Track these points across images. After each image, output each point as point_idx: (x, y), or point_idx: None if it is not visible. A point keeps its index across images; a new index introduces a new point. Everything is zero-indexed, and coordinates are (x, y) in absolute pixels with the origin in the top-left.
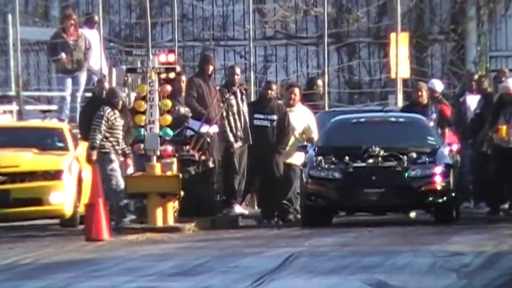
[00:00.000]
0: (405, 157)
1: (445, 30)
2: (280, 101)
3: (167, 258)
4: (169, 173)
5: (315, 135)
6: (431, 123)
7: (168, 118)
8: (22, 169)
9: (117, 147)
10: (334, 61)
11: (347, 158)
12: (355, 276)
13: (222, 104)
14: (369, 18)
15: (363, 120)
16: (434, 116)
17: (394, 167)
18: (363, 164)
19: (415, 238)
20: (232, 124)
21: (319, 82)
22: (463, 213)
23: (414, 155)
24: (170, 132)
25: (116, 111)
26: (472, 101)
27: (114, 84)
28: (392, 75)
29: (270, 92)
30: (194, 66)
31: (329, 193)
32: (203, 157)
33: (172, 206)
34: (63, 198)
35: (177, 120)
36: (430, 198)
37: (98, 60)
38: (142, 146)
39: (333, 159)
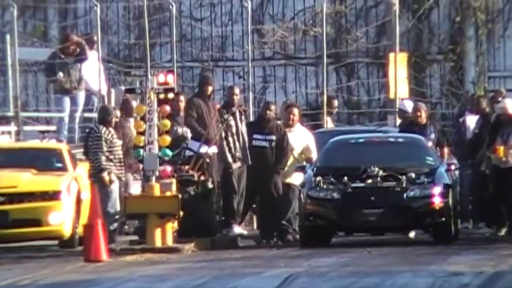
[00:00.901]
0: (404, 177)
1: (444, 51)
2: (279, 122)
3: (166, 278)
4: (168, 194)
5: (314, 156)
6: (430, 143)
7: (167, 138)
8: (20, 190)
9: (118, 166)
10: (333, 81)
11: (346, 178)
12: None
13: (221, 125)
14: (368, 38)
15: (361, 140)
16: (433, 136)
17: (393, 188)
18: (362, 185)
19: (414, 258)
20: (231, 145)
21: (335, 102)
22: (462, 233)
23: (413, 175)
24: (169, 152)
25: (111, 129)
26: (472, 121)
27: (112, 104)
28: (391, 96)
29: (268, 112)
30: (193, 86)
31: (328, 213)
32: (202, 177)
33: (172, 226)
34: (61, 219)
35: (175, 140)
36: (429, 219)
37: (97, 80)
38: (141, 166)
39: (332, 179)
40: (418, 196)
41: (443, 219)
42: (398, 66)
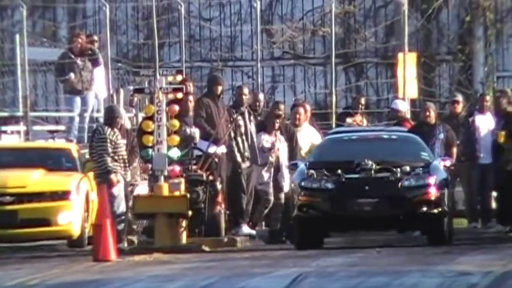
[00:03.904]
0: (398, 169)
1: (453, 51)
2: (288, 121)
3: (174, 278)
4: (177, 193)
5: None
6: (439, 143)
7: (176, 138)
8: (30, 189)
9: (123, 166)
10: (341, 81)
11: (339, 171)
12: None
13: (230, 125)
14: (377, 38)
15: (355, 137)
16: (442, 135)
17: (387, 177)
18: (356, 176)
19: (422, 258)
20: (240, 144)
21: (362, 100)
22: (470, 233)
23: (408, 168)
24: (175, 154)
25: (116, 130)
26: (481, 121)
27: (121, 104)
28: (400, 95)
29: (277, 112)
30: (202, 86)
31: (321, 204)
32: (211, 177)
33: (180, 226)
34: (70, 219)
35: (184, 140)
36: (424, 209)
37: (101, 82)
38: (150, 166)
39: (325, 172)
40: (413, 186)
41: (439, 210)
42: (407, 66)
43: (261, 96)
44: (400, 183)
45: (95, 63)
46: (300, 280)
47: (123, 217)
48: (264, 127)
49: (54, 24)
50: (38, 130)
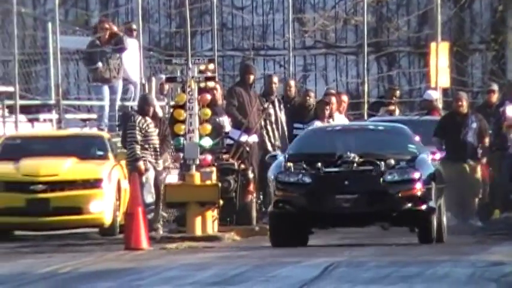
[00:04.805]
0: (382, 163)
1: (486, 40)
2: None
3: (206, 267)
4: (208, 182)
5: None
6: (472, 133)
7: (208, 127)
8: (62, 178)
9: (154, 155)
10: (373, 70)
11: (319, 164)
12: (394, 287)
13: (261, 113)
14: (409, 27)
15: (338, 128)
16: (474, 125)
17: (369, 171)
18: (335, 169)
19: (454, 248)
20: (270, 133)
21: (398, 93)
22: (503, 223)
23: (392, 161)
24: (206, 143)
25: (148, 118)
26: None
27: (153, 93)
28: (432, 85)
29: (308, 100)
30: (234, 75)
31: (298, 199)
32: (242, 166)
33: (212, 215)
34: (102, 207)
35: (215, 129)
36: (408, 205)
37: (136, 69)
38: (181, 155)
39: (304, 165)
40: (397, 181)
41: (424, 207)
42: (439, 55)
43: (292, 83)
44: (382, 178)
45: (120, 49)
46: (331, 269)
47: (152, 206)
48: (296, 116)
49: (86, 12)
50: (70, 118)
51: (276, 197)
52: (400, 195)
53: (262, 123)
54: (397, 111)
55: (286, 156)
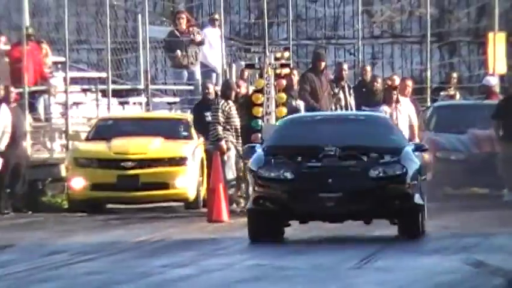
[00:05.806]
0: (365, 157)
1: None
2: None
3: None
4: None
5: (415, 123)
6: None
7: (284, 110)
8: (150, 156)
9: (235, 136)
10: (436, 58)
11: (300, 158)
12: (455, 256)
13: (332, 98)
14: (469, 19)
15: (318, 118)
16: None
17: (353, 167)
18: (318, 164)
19: (511, 221)
20: None
21: (454, 74)
22: None
23: (376, 154)
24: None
25: (230, 102)
26: None
27: (233, 78)
28: (490, 71)
29: (375, 85)
30: (307, 62)
31: (279, 196)
32: None
33: None
34: (187, 183)
35: (289, 112)
36: (395, 202)
37: (217, 57)
38: (259, 135)
39: (285, 159)
40: (382, 177)
41: (411, 203)
42: (496, 44)
43: (368, 68)
44: (366, 174)
45: (199, 42)
46: (396, 241)
47: (233, 182)
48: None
49: (172, 4)
50: (157, 102)
51: (256, 193)
52: (385, 192)
53: (333, 107)
54: (458, 96)
55: (265, 148)
